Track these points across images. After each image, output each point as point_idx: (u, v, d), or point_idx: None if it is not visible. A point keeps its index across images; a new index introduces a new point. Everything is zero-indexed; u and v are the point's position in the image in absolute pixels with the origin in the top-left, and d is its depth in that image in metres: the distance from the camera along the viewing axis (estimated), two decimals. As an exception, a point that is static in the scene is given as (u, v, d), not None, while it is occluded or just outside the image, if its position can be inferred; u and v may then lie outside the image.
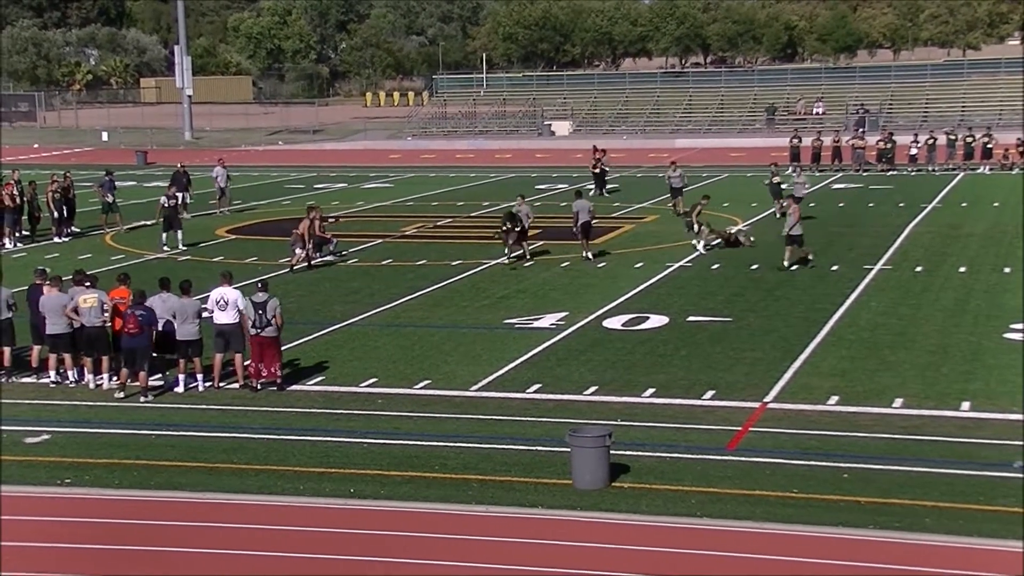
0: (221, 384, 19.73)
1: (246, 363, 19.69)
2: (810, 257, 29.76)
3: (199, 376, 19.72)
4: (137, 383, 19.27)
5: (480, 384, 19.71)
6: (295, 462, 16.07)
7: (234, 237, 37.13)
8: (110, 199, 38.51)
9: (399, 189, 50.90)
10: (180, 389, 19.62)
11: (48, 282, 20.64)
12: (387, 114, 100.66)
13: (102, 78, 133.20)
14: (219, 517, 14.33)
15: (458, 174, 57.09)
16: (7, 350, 20.60)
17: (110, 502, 14.89)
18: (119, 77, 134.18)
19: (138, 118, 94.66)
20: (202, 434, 17.44)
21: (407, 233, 37.36)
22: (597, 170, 45.80)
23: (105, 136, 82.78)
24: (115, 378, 19.88)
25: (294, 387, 19.71)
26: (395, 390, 19.50)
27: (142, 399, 19.14)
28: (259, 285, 19.87)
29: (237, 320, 19.49)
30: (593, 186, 45.16)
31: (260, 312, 19.34)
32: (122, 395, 19.36)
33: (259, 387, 19.54)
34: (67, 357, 20.18)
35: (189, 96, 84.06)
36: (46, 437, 17.46)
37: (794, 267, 29.14)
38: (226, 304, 19.50)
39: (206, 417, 18.31)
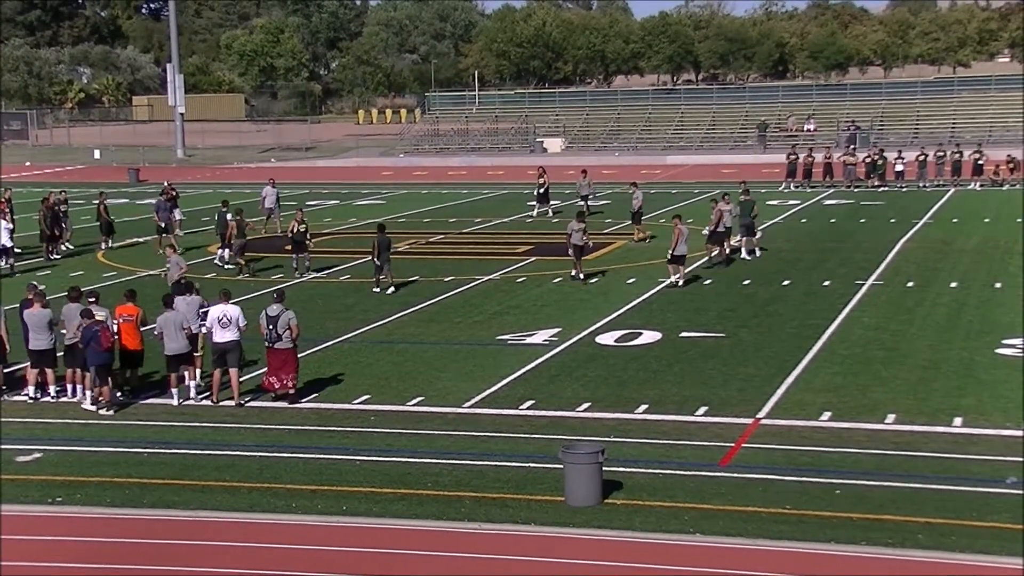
0: (220, 402, 19.73)
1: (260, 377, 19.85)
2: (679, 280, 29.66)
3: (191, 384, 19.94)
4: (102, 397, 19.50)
5: (473, 401, 19.70)
6: (288, 480, 16.04)
7: (229, 254, 37.00)
8: (178, 217, 38.75)
9: (392, 206, 50.95)
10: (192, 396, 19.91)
11: (32, 297, 20.66)
12: (379, 131, 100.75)
13: (94, 96, 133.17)
14: (212, 535, 14.29)
15: (450, 191, 57.17)
16: None
17: (102, 520, 14.84)
18: (111, 95, 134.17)
19: (130, 136, 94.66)
20: (195, 452, 17.40)
21: (400, 250, 37.33)
22: (542, 190, 44.98)
23: (97, 154, 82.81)
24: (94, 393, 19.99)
25: (287, 404, 19.69)
26: (388, 407, 19.48)
27: (102, 411, 19.32)
28: (275, 296, 19.96)
29: (237, 338, 19.51)
30: (537, 204, 44.84)
31: (271, 327, 19.35)
32: (95, 408, 19.42)
33: (275, 398, 19.68)
34: (49, 372, 20.17)
35: (181, 114, 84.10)
36: (38, 455, 17.41)
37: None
38: (229, 322, 19.53)
39: (199, 435, 18.27)
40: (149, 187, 62.05)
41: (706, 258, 32.65)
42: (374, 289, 29.53)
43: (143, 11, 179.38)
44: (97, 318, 19.63)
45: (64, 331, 20.15)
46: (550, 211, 45.03)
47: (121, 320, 20.26)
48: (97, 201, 40.01)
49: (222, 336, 19.54)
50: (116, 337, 19.98)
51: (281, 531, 14.32)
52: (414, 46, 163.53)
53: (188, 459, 17.06)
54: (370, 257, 30.00)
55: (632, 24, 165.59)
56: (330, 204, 52.38)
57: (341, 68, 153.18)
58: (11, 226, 35.49)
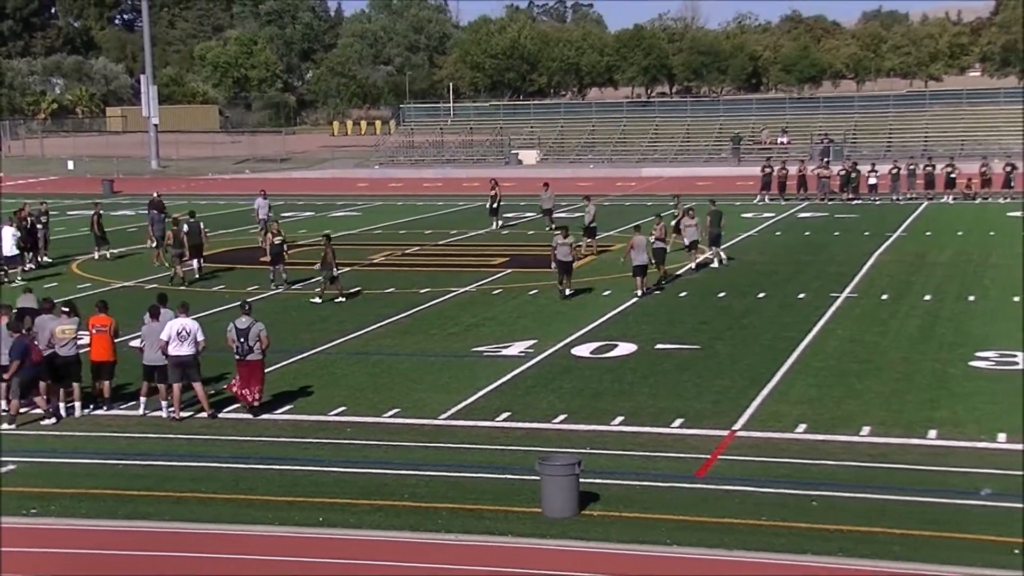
0: (184, 415, 19.61)
1: (230, 388, 19.75)
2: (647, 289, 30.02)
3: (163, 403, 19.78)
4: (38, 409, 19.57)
5: (449, 412, 19.68)
6: (263, 491, 15.97)
7: (203, 265, 36.87)
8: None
9: (367, 217, 50.90)
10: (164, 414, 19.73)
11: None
12: (354, 143, 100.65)
13: (67, 107, 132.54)
14: (187, 547, 14.21)
15: (426, 203, 57.16)
16: None
17: (77, 532, 14.74)
18: (84, 106, 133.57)
19: (104, 147, 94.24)
20: (170, 463, 17.31)
21: (375, 261, 37.33)
22: (494, 203, 44.89)
23: (71, 165, 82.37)
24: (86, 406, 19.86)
25: (262, 416, 19.61)
26: (364, 418, 19.44)
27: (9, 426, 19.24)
28: (244, 308, 19.87)
29: (195, 352, 19.40)
30: (493, 221, 44.74)
31: (243, 339, 19.28)
32: (12, 426, 19.28)
33: (253, 409, 19.60)
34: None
35: (155, 125, 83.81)
36: (11, 467, 17.27)
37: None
38: (187, 335, 19.40)
39: (173, 446, 18.18)
40: (123, 198, 61.80)
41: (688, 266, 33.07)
42: (314, 300, 29.60)
43: (116, 22, 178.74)
44: (24, 332, 19.54)
45: (37, 343, 20.00)
46: (498, 224, 44.69)
47: (94, 331, 20.18)
48: (92, 212, 39.79)
49: (179, 349, 19.34)
50: (88, 348, 19.94)
51: (257, 543, 14.26)
52: (389, 58, 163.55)
53: (164, 471, 16.97)
54: (323, 268, 29.91)
55: (606, 37, 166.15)
56: (305, 216, 52.27)
57: (315, 79, 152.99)
58: (18, 233, 34.98)
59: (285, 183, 71.91)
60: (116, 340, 20.52)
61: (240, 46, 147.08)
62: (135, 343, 21.60)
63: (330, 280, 29.75)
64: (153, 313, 20.01)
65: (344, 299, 29.87)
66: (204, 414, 19.58)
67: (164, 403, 19.64)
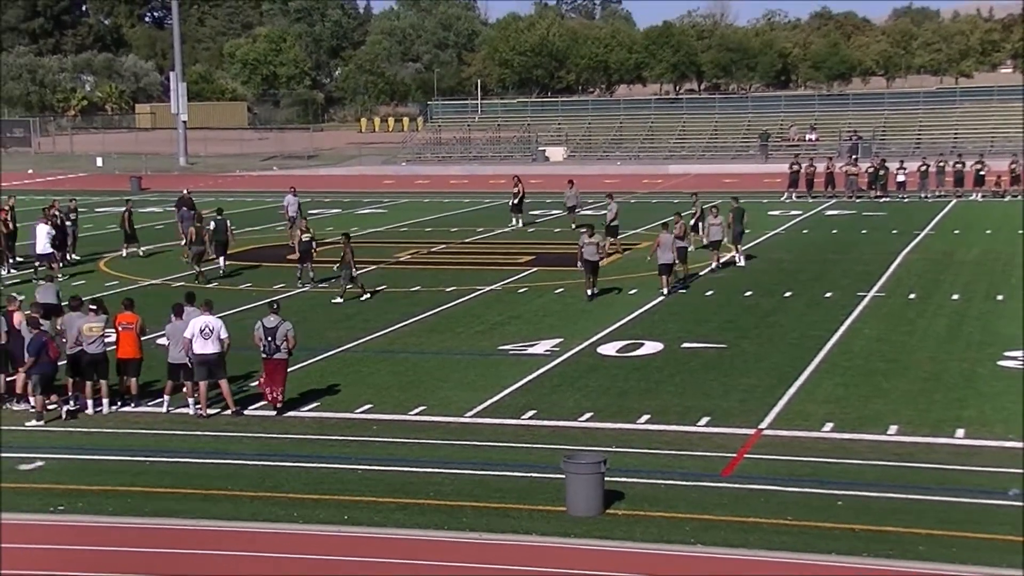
0: (211, 412, 19.72)
1: (256, 387, 19.87)
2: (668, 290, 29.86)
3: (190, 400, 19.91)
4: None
5: (475, 410, 19.71)
6: (289, 488, 16.04)
7: (228, 263, 37.10)
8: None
9: (393, 215, 50.99)
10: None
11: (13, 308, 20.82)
12: (382, 140, 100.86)
13: (97, 104, 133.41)
14: (214, 544, 14.29)
15: (452, 200, 57.20)
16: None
17: (104, 529, 14.85)
18: (114, 103, 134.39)
19: (133, 144, 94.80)
20: (196, 460, 17.42)
21: (401, 259, 37.41)
22: (516, 200, 44.69)
23: (100, 162, 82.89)
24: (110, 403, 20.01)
25: (288, 413, 19.70)
26: (389, 416, 19.49)
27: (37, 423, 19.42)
28: (273, 306, 19.95)
29: (219, 350, 19.50)
30: (515, 218, 44.53)
31: (270, 338, 19.36)
32: (41, 423, 19.43)
33: (278, 409, 19.67)
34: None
35: (184, 122, 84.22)
36: (40, 464, 17.41)
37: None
38: (210, 333, 19.50)
39: (200, 443, 18.28)
40: (151, 195, 62.15)
41: (711, 266, 32.95)
42: (335, 300, 29.66)
43: (146, 19, 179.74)
44: (43, 329, 19.72)
45: (64, 340, 20.17)
46: (521, 221, 44.59)
47: (121, 328, 20.32)
48: (123, 208, 40.04)
49: (203, 348, 19.43)
50: (115, 346, 20.18)
51: (283, 540, 14.32)
52: (417, 55, 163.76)
53: (190, 468, 17.08)
54: (342, 267, 29.95)
55: (635, 34, 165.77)
56: (332, 213, 52.43)
57: (344, 76, 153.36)
58: (52, 231, 35.17)
59: (312, 180, 72.13)
60: (143, 338, 20.66)
61: (269, 43, 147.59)
62: (161, 341, 21.73)
63: (349, 279, 29.78)
64: (177, 311, 20.14)
65: (369, 295, 29.94)
66: (229, 411, 19.68)
67: (191, 400, 19.76)
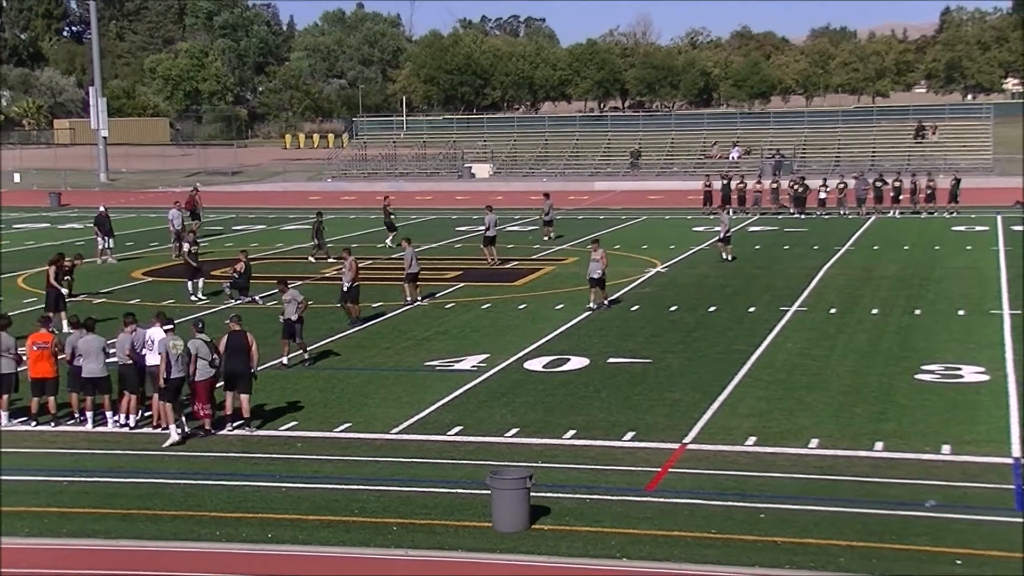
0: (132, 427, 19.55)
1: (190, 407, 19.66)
2: (605, 302, 29.98)
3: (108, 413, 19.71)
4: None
5: (401, 427, 19.63)
6: (212, 507, 15.84)
7: (150, 279, 36.69)
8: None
9: (319, 231, 50.51)
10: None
11: None
12: (307, 156, 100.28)
13: (14, 119, 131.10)
14: (134, 565, 14.06)
15: (379, 216, 56.80)
16: None
17: (19, 551, 14.53)
18: (31, 118, 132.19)
19: (51, 160, 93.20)
20: (116, 480, 17.14)
21: (327, 275, 37.17)
22: (391, 217, 44.96)
23: (17, 177, 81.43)
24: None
25: (211, 432, 19.45)
26: (315, 433, 19.35)
27: None
28: (197, 326, 19.71)
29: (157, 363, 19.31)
30: (391, 236, 44.31)
31: (195, 357, 19.18)
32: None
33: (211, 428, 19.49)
34: None
35: (104, 137, 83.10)
36: (-46, 484, 17.02)
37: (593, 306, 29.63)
38: (153, 345, 19.34)
39: (120, 463, 17.99)
40: (71, 211, 61.14)
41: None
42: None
43: (64, 34, 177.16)
44: None
45: None
46: (389, 241, 44.22)
47: (35, 348, 19.93)
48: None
49: (151, 360, 19.38)
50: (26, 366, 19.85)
51: (205, 559, 14.14)
52: (342, 71, 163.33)
53: (109, 487, 16.80)
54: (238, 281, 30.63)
55: (559, 51, 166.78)
56: (257, 229, 51.97)
57: (268, 92, 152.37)
58: None
59: (236, 196, 71.50)
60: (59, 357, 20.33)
61: (191, 59, 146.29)
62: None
63: (241, 291, 30.28)
64: (88, 326, 19.94)
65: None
66: (151, 428, 19.42)
67: (88, 414, 19.65)
